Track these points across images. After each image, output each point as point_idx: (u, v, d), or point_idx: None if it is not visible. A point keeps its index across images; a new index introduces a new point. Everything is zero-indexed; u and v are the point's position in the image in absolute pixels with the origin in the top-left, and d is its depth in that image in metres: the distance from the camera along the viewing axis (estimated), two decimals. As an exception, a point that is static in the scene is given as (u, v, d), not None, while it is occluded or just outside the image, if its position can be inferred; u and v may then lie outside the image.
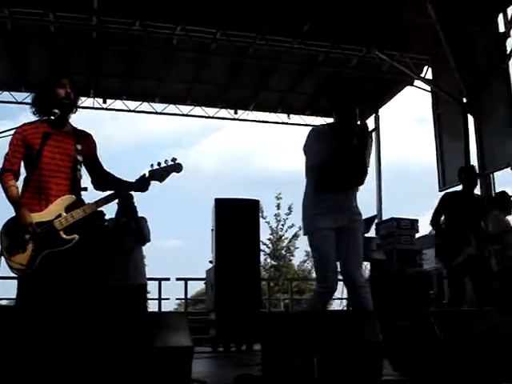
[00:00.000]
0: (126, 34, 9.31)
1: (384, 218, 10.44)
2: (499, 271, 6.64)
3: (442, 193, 6.76)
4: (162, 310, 10.57)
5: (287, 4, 8.90)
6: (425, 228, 8.62)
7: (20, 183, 3.45)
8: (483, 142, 9.15)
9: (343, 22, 9.34)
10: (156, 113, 12.20)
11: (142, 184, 3.64)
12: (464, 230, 6.10)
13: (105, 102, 11.73)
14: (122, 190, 3.77)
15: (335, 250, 4.14)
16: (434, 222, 6.43)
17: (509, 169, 8.28)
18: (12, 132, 3.38)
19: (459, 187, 6.58)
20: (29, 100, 11.23)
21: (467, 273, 6.09)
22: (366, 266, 7.69)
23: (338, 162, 4.02)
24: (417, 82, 10.98)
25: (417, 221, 8.24)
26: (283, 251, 20.29)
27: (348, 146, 4.02)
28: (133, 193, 5.36)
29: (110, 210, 7.33)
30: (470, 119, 9.40)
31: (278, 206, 19.74)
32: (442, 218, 6.37)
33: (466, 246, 6.05)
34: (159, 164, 3.64)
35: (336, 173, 4.05)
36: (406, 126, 34.71)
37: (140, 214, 7.41)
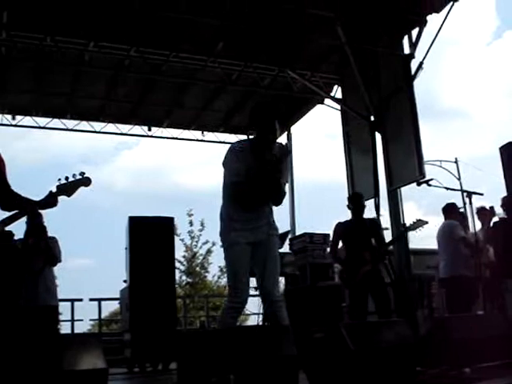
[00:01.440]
0: (36, 49, 9.06)
1: (297, 233, 10.63)
2: (391, 282, 7.19)
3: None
4: (76, 331, 10.30)
5: (201, 22, 8.98)
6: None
7: None
8: (390, 158, 9.48)
9: (256, 41, 9.52)
10: (67, 129, 11.88)
11: (50, 200, 3.58)
12: (358, 251, 6.75)
13: (14, 118, 11.35)
14: (28, 208, 3.68)
15: (250, 265, 4.20)
16: (332, 252, 7.21)
17: (414, 184, 8.62)
18: None
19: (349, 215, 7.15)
20: None
21: (366, 288, 6.68)
22: (281, 280, 7.79)
23: (255, 179, 4.09)
24: (327, 101, 11.31)
25: (329, 235, 8.39)
26: (198, 268, 20.21)
27: (263, 162, 4.10)
28: (42, 212, 5.25)
29: (19, 231, 7.09)
30: (378, 136, 9.75)
31: (191, 223, 19.69)
32: (341, 246, 7.08)
33: (362, 265, 6.67)
34: (67, 178, 3.61)
35: (252, 191, 4.12)
36: (318, 142, 35.51)
37: (50, 234, 7.23)
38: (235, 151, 4.22)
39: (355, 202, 7.08)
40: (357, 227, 6.90)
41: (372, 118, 9.74)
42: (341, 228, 7.05)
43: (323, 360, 3.91)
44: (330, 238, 7.33)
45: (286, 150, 4.21)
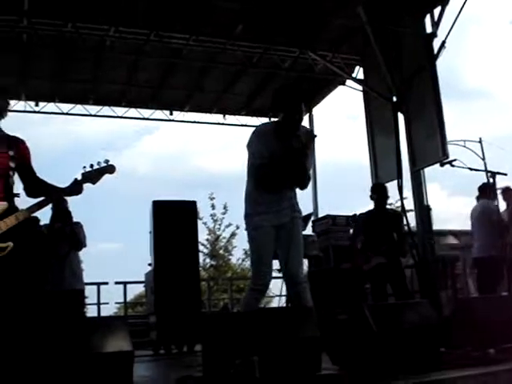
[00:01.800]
0: (57, 35, 9.11)
1: (320, 215, 10.62)
2: (415, 263, 7.21)
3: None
4: (102, 314, 10.45)
5: (220, 5, 8.95)
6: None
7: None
8: (413, 139, 9.40)
9: (276, 23, 9.46)
10: (89, 115, 11.97)
11: (75, 187, 3.62)
12: (377, 242, 6.76)
13: (37, 104, 11.45)
14: (53, 195, 3.73)
15: (274, 248, 4.22)
16: (352, 244, 7.29)
17: (438, 165, 8.54)
18: None
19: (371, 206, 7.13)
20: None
21: (381, 278, 6.71)
22: (304, 262, 7.81)
23: (279, 163, 4.10)
24: (349, 82, 11.23)
25: (351, 217, 8.43)
26: (221, 251, 20.32)
27: (289, 147, 4.10)
28: (67, 198, 5.31)
29: (45, 217, 7.20)
30: (401, 117, 9.67)
31: (213, 206, 19.77)
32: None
33: (375, 255, 6.72)
34: (92, 166, 3.64)
35: (276, 174, 4.13)
36: (340, 124, 35.23)
37: (75, 219, 7.32)
38: (259, 134, 4.25)
39: (379, 192, 7.04)
40: (379, 219, 6.89)
41: (394, 99, 9.65)
42: (362, 221, 7.09)
43: (346, 341, 3.93)
44: (351, 231, 7.30)
45: (312, 135, 4.23)
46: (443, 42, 8.95)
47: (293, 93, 4.26)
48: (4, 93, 3.59)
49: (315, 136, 4.31)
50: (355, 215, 7.74)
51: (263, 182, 4.21)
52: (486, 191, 7.51)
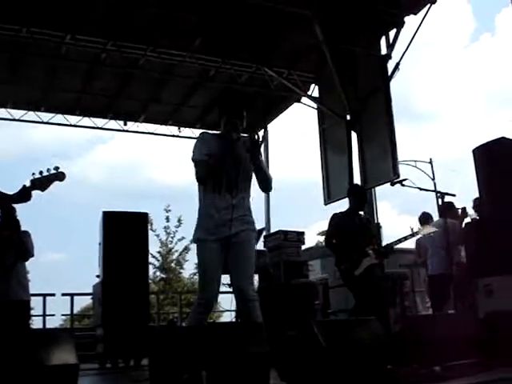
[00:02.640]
0: (11, 40, 8.95)
1: (272, 230, 10.66)
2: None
3: (327, 206, 7.12)
4: (48, 326, 10.20)
5: (179, 17, 8.96)
6: (311, 240, 8.93)
7: None
8: (365, 157, 9.57)
9: (234, 38, 9.53)
10: (42, 122, 11.76)
11: (24, 194, 3.55)
12: (358, 244, 6.56)
13: (-13, 110, 11.21)
14: (0, 201, 3.64)
15: (222, 262, 4.14)
16: (329, 244, 6.87)
17: (388, 184, 8.69)
18: None
19: (344, 208, 7.07)
20: None
21: (368, 281, 6.45)
22: (255, 277, 7.81)
23: (219, 158, 4.02)
24: (304, 99, 11.37)
25: (303, 233, 8.48)
26: (173, 264, 20.17)
27: (232, 148, 4.04)
28: (16, 205, 5.20)
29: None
30: (354, 136, 9.82)
31: (168, 219, 19.66)
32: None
33: (364, 257, 6.49)
34: (41, 173, 3.57)
35: (215, 168, 4.04)
36: (295, 140, 35.62)
37: (22, 228, 7.15)
38: (202, 139, 4.19)
39: (359, 193, 6.99)
40: (355, 220, 6.78)
41: (348, 117, 9.81)
42: (337, 220, 6.83)
43: (295, 357, 3.93)
44: (327, 230, 6.95)
45: (257, 140, 4.10)
46: (397, 64, 9.19)
47: (234, 96, 4.29)
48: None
49: (260, 140, 4.21)
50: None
51: (201, 177, 4.10)
52: (448, 210, 7.61)
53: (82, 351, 3.57)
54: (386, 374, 3.92)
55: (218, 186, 4.09)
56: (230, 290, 4.70)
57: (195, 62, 10.10)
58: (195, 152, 4.13)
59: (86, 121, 12.05)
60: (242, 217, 4.12)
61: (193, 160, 4.14)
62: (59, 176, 3.63)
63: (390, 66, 9.28)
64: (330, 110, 10.29)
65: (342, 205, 7.81)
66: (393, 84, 9.28)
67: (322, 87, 10.99)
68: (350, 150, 9.73)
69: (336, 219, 6.85)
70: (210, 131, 4.48)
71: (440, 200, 6.82)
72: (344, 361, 3.68)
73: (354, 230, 6.66)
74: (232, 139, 4.05)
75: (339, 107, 9.90)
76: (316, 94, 11.19)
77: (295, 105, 11.82)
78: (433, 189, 7.12)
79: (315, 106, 11.16)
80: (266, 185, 4.28)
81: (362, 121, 9.66)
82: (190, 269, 20.40)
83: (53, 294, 10.38)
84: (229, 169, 4.08)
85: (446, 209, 7.47)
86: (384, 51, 9.41)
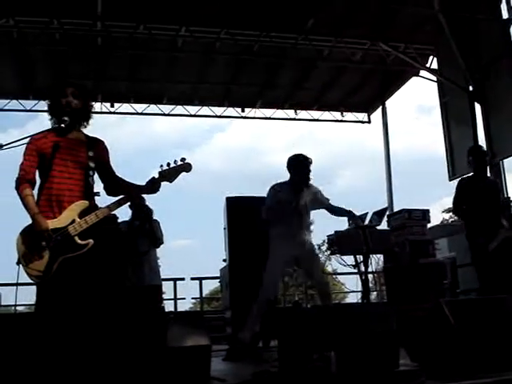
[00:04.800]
0: (130, 37, 9.34)
1: (395, 209, 10.43)
2: None
3: (452, 182, 6.75)
4: (178, 309, 10.64)
5: (290, 0, 8.92)
6: (436, 218, 8.64)
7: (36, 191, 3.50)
8: (491, 129, 9.12)
9: (347, 16, 9.36)
10: (163, 114, 12.25)
11: (153, 186, 3.66)
12: (490, 213, 5.91)
13: (112, 105, 11.79)
14: (132, 194, 3.79)
15: None
16: (457, 210, 6.38)
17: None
18: (21, 142, 3.43)
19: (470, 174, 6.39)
20: (37, 108, 11.09)
21: (503, 256, 5.80)
22: (380, 258, 7.66)
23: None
24: (422, 72, 10.99)
25: (428, 211, 8.19)
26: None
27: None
28: (145, 196, 5.42)
29: (124, 215, 7.42)
30: (478, 107, 9.39)
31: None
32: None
33: (500, 229, 5.88)
34: (168, 164, 3.65)
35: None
36: (413, 115, 34.56)
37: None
38: (274, 190, 5.95)
39: (477, 156, 6.22)
40: (482, 185, 6.06)
41: (471, 88, 9.38)
42: (464, 185, 6.18)
43: (424, 336, 3.84)
44: (453, 196, 6.18)
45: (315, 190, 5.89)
46: (522, 27, 8.64)
47: (302, 165, 5.84)
48: (84, 95, 3.68)
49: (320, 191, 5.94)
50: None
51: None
52: None
53: (212, 333, 3.68)
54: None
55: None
56: (355, 271, 4.69)
57: (308, 43, 10.03)
58: (268, 200, 5.90)
59: (205, 110, 12.37)
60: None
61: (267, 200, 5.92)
62: (186, 167, 3.71)
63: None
64: (452, 81, 9.86)
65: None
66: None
67: (441, 58, 10.53)
68: (475, 122, 9.30)
69: (463, 185, 6.20)
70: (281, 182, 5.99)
71: None
72: (475, 341, 3.54)
73: (483, 195, 5.96)
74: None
75: (460, 78, 9.47)
76: (435, 65, 10.76)
77: (413, 79, 11.46)
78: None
79: (435, 78, 10.74)
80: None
81: (485, 91, 9.20)
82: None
83: (182, 279, 10.81)
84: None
85: None
86: (505, 15, 8.88)
